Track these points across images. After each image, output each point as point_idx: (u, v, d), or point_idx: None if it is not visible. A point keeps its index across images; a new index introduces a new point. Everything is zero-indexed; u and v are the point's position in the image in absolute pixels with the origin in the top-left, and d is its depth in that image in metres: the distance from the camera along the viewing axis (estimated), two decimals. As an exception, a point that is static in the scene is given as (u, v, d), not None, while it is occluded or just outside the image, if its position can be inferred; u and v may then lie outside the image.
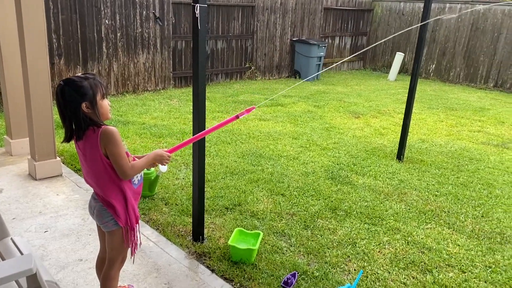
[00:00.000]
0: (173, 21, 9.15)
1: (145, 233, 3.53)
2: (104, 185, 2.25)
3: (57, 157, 4.52)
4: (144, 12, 8.59)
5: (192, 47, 3.13)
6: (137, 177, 2.39)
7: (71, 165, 4.83)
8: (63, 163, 4.77)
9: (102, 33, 8.12)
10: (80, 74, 2.22)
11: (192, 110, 3.21)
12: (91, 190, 4.16)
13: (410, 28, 7.32)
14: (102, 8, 7.99)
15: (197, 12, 2.94)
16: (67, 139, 2.21)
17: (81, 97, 2.11)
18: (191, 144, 3.01)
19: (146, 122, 6.69)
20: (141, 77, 8.93)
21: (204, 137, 3.27)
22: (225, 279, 3.04)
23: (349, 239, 3.63)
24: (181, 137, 6.03)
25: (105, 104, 2.22)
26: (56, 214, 3.74)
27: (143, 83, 8.99)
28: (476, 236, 3.82)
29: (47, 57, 4.16)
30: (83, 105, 2.11)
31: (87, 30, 7.92)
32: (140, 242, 2.48)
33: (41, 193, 4.11)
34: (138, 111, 7.37)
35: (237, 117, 2.58)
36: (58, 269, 2.98)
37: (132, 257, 2.48)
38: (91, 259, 3.11)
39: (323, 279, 3.07)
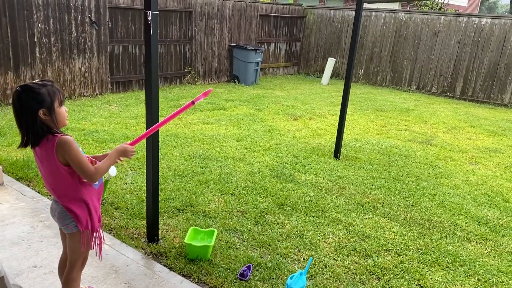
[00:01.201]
0: (110, 26, 9.01)
1: (99, 237, 3.54)
2: (63, 192, 2.30)
3: (-2, 165, 4.37)
4: (79, 16, 8.39)
5: (144, 52, 3.22)
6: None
7: (12, 173, 4.67)
8: (3, 172, 4.60)
9: (35, 37, 7.82)
10: (37, 80, 2.24)
11: (145, 114, 3.29)
12: (37, 198, 4.10)
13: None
14: (34, 12, 7.71)
15: (150, 18, 3.05)
16: (23, 145, 2.23)
17: (38, 104, 2.13)
18: (144, 145, 3.10)
19: (86, 128, 6.57)
20: (77, 82, 8.69)
21: (158, 141, 3.38)
22: (184, 275, 3.16)
23: (297, 231, 3.89)
24: (124, 142, 5.99)
25: (62, 111, 2.25)
26: (2, 223, 3.63)
27: (80, 89, 8.76)
28: (408, 223, 4.24)
29: (-14, 62, 4.02)
30: (41, 112, 2.14)
31: (19, 34, 7.60)
32: (104, 240, 2.54)
33: (-18, 203, 3.96)
34: (77, 117, 7.19)
35: (193, 102, 2.58)
36: (13, 277, 2.93)
37: (100, 257, 2.53)
38: (45, 265, 3.09)
39: (276, 269, 3.29)
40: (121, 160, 2.51)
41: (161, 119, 2.84)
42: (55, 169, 2.22)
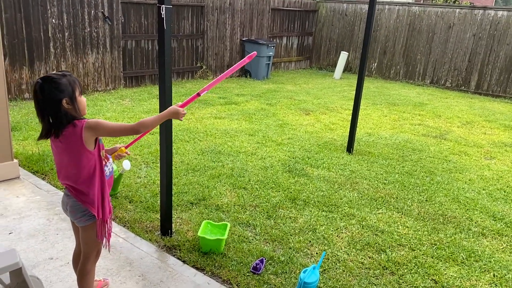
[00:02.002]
0: (123, 21, 9.05)
1: (113, 230, 3.57)
2: (84, 177, 2.31)
3: (14, 159, 4.43)
4: (92, 11, 8.44)
5: (158, 46, 3.23)
6: (108, 168, 2.48)
7: (28, 167, 4.73)
8: (19, 165, 4.66)
9: (49, 32, 7.90)
10: (56, 71, 2.28)
11: (159, 108, 3.31)
12: (53, 191, 4.16)
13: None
14: (48, 7, 7.77)
15: (163, 12, 3.05)
16: (44, 136, 2.26)
17: (61, 93, 2.18)
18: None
19: (100, 122, 6.61)
20: (91, 77, 8.77)
21: (172, 135, 3.40)
22: (197, 268, 3.18)
23: (309, 225, 3.89)
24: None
25: (83, 100, 2.32)
26: (19, 216, 3.69)
27: (93, 83, 8.83)
28: (422, 218, 4.20)
29: (2, 56, 4.07)
30: (64, 101, 2.18)
31: (33, 30, 7.67)
32: (110, 232, 2.56)
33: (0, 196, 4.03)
34: (90, 111, 7.25)
35: (244, 62, 2.67)
36: (30, 268, 2.98)
37: (108, 248, 2.56)
38: (61, 257, 3.14)
39: (288, 263, 3.30)
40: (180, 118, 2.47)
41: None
42: (78, 154, 2.26)
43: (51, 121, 2.22)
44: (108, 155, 2.54)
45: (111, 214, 2.51)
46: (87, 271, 2.52)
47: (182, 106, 2.55)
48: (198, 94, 2.75)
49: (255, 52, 2.82)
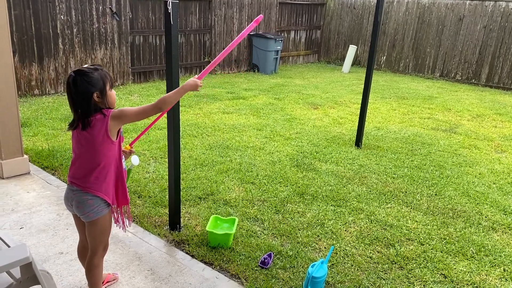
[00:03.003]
0: (130, 16, 9.07)
1: (122, 225, 3.61)
2: (102, 167, 2.36)
3: (24, 155, 4.47)
4: (100, 7, 8.47)
5: (165, 42, 3.23)
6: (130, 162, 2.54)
7: (38, 162, 4.78)
8: (29, 161, 4.71)
9: (58, 29, 7.94)
10: (88, 65, 2.32)
11: (166, 103, 3.31)
12: (63, 186, 4.19)
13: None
14: (56, 4, 7.81)
15: (170, 8, 3.05)
16: (73, 127, 2.32)
17: (93, 87, 2.24)
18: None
19: (109, 118, 6.65)
20: (100, 73, 8.79)
21: (179, 130, 3.40)
22: (205, 263, 3.19)
23: (318, 220, 3.88)
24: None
25: (113, 93, 2.39)
26: (30, 211, 3.73)
27: (102, 79, 8.86)
28: (431, 212, 4.17)
29: (11, 52, 4.10)
30: (95, 94, 2.24)
31: (42, 26, 7.72)
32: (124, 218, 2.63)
33: (10, 192, 4.07)
34: (99, 107, 7.29)
35: (252, 27, 2.73)
36: (40, 263, 3.01)
37: (125, 229, 2.68)
38: (72, 252, 3.17)
39: (297, 257, 3.30)
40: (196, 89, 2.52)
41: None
42: (101, 143, 2.30)
43: (84, 113, 2.27)
44: (132, 150, 2.59)
45: (127, 204, 2.58)
46: (95, 265, 2.54)
47: (199, 78, 2.58)
48: (213, 65, 2.77)
49: (261, 15, 2.85)
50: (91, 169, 2.35)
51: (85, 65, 2.32)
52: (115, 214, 2.57)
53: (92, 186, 2.36)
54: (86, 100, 2.24)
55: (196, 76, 2.57)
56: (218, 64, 11.19)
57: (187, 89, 2.46)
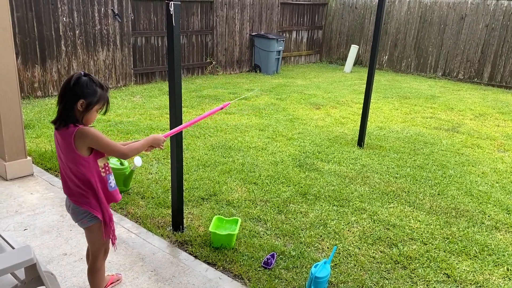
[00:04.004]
0: (132, 18, 9.09)
1: (126, 226, 3.62)
2: (80, 181, 2.30)
3: (27, 156, 4.49)
4: (102, 9, 8.49)
5: (167, 43, 3.24)
6: (113, 181, 2.44)
7: (41, 164, 4.80)
8: (32, 162, 4.73)
9: (60, 30, 7.96)
10: (99, 80, 2.32)
11: (169, 105, 3.32)
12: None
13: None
14: (59, 6, 7.84)
15: (172, 9, 3.06)
16: (53, 122, 2.28)
17: (87, 94, 2.20)
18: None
19: (111, 119, 6.68)
20: (102, 75, 8.83)
21: (182, 132, 3.40)
22: (208, 263, 3.20)
23: (320, 220, 3.88)
24: (149, 132, 6.09)
25: (95, 115, 2.30)
26: (33, 213, 3.75)
27: (104, 80, 8.89)
28: (434, 212, 4.17)
29: (14, 54, 4.12)
30: (81, 101, 2.19)
31: (44, 28, 7.75)
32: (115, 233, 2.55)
33: (14, 193, 4.09)
34: (102, 109, 7.31)
35: (217, 110, 2.83)
36: (44, 264, 3.01)
37: (114, 247, 2.60)
38: (75, 253, 3.18)
39: (299, 258, 3.30)
40: (150, 150, 2.54)
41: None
42: (72, 157, 2.25)
43: (61, 111, 2.22)
44: (109, 166, 2.43)
45: (111, 221, 2.48)
46: (97, 269, 2.55)
47: (166, 136, 2.61)
48: (181, 128, 2.88)
49: (229, 102, 3.01)
50: (74, 182, 2.31)
51: (98, 78, 2.31)
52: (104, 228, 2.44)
53: (78, 200, 2.33)
54: (71, 101, 2.19)
55: (163, 134, 2.58)
56: (220, 65, 11.21)
57: (150, 143, 2.48)
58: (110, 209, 2.49)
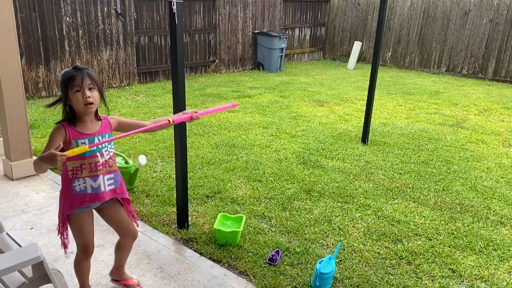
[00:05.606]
0: (135, 17, 9.11)
1: (131, 224, 3.64)
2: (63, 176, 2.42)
3: (33, 156, 4.52)
4: (105, 9, 8.52)
5: (170, 41, 3.25)
6: (79, 185, 2.33)
7: (46, 164, 4.83)
8: (38, 162, 4.76)
9: (64, 31, 8.00)
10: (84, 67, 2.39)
11: (172, 103, 3.34)
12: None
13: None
14: (62, 6, 7.87)
15: (174, 8, 3.07)
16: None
17: (60, 88, 2.40)
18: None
19: (115, 118, 6.69)
20: (105, 74, 8.86)
21: (186, 129, 3.42)
22: (214, 260, 3.22)
23: (325, 217, 3.89)
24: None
25: (78, 97, 2.29)
26: (40, 212, 3.78)
27: (108, 80, 8.93)
28: (438, 207, 4.17)
29: (18, 55, 4.15)
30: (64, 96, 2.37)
31: (48, 28, 7.78)
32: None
33: (20, 193, 4.12)
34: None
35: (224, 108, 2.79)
36: (51, 262, 3.04)
37: (66, 255, 2.69)
38: (81, 251, 3.20)
39: (304, 254, 3.31)
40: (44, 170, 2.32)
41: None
42: None
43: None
44: (82, 169, 2.33)
45: (65, 228, 2.50)
46: (75, 263, 2.62)
47: (175, 121, 2.62)
48: (212, 111, 2.81)
49: (237, 103, 2.94)
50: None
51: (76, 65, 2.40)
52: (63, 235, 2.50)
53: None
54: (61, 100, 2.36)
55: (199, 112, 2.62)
56: (223, 63, 11.21)
57: (44, 160, 2.09)
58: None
